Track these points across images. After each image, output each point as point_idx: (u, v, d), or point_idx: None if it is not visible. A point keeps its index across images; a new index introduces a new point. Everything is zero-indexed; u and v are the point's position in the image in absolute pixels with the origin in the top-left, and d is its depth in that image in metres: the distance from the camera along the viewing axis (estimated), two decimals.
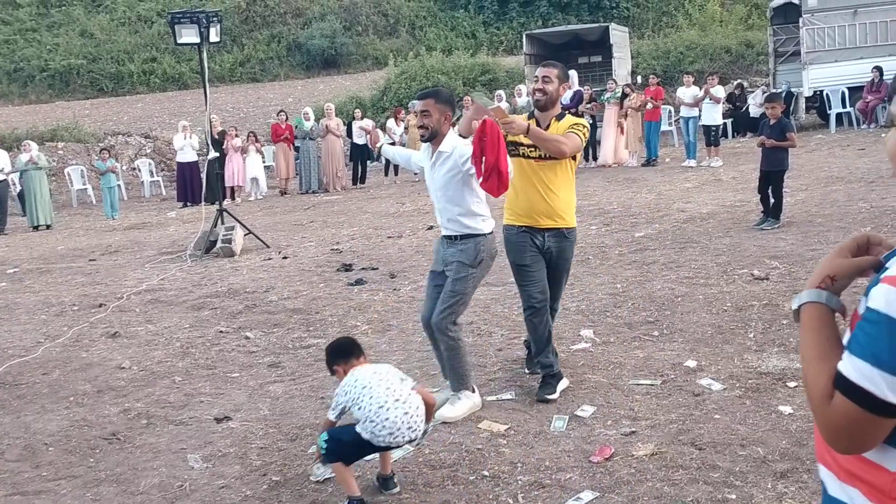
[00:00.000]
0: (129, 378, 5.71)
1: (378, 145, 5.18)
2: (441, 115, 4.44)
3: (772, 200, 8.72)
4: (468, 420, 4.48)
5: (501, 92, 20.16)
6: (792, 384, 4.61)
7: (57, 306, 8.15)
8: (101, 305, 7.96)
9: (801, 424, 4.08)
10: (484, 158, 4.28)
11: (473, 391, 4.62)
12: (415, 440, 3.70)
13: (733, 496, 3.40)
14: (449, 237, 4.56)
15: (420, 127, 4.51)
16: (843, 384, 1.36)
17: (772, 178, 8.70)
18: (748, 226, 8.91)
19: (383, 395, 3.59)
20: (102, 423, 4.89)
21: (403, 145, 17.54)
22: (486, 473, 3.85)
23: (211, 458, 4.28)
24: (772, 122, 8.83)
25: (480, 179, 4.33)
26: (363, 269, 8.83)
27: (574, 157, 4.73)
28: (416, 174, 17.98)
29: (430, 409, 3.78)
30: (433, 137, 4.47)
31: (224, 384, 5.45)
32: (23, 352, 6.50)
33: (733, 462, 3.72)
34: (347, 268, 8.89)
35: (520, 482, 3.73)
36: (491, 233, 4.58)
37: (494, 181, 4.34)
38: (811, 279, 1.56)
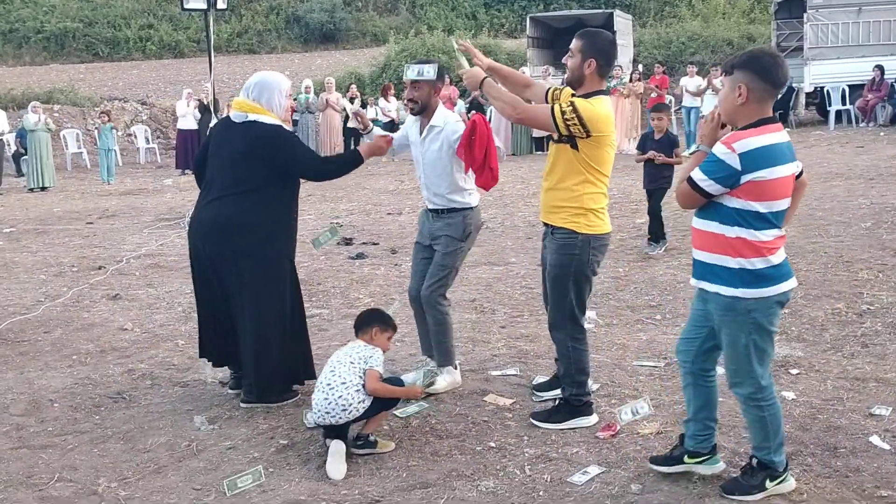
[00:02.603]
0: (131, 340, 5.71)
1: (367, 130, 4.86)
2: (432, 88, 4.39)
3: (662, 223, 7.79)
4: (473, 393, 4.51)
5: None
6: (794, 371, 4.67)
7: (56, 267, 8.11)
8: (100, 268, 7.93)
9: (803, 410, 4.14)
10: (472, 153, 4.26)
11: (456, 367, 4.61)
12: (341, 425, 3.79)
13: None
14: (435, 210, 4.50)
15: (409, 100, 4.43)
16: (689, 179, 3.15)
17: (656, 196, 7.71)
18: None
19: (322, 376, 3.85)
20: (107, 383, 4.89)
21: (402, 123, 17.49)
22: (492, 444, 3.88)
23: (217, 420, 4.29)
24: (657, 135, 7.75)
25: (469, 172, 4.35)
26: (364, 243, 8.84)
27: (572, 144, 3.80)
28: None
29: (389, 397, 3.89)
30: (423, 111, 4.42)
31: None
32: (23, 310, 6.48)
33: (738, 443, 3.77)
34: (348, 242, 8.90)
35: (526, 454, 3.77)
36: (477, 205, 4.52)
37: (488, 176, 4.35)
38: (700, 139, 3.32)
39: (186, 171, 16.87)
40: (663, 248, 7.66)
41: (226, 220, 4.22)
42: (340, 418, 3.75)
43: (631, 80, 16.16)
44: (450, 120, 4.40)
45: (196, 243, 4.37)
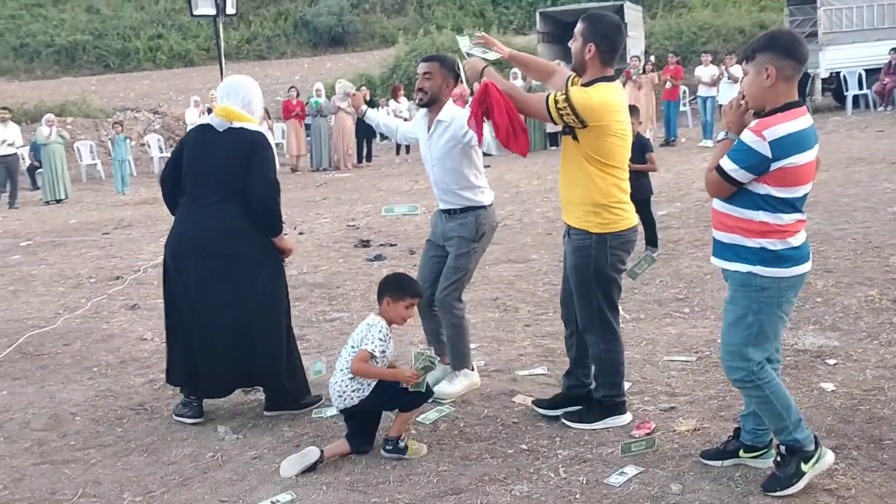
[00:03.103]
0: (151, 350, 5.63)
1: (362, 110, 4.76)
2: (443, 81, 4.24)
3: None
4: (501, 394, 4.40)
5: (517, 70, 19.94)
6: (831, 361, 4.54)
7: (73, 278, 8.07)
8: (118, 278, 7.88)
9: (844, 402, 4.01)
10: (493, 122, 3.93)
11: (473, 369, 4.49)
12: (347, 409, 3.74)
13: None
14: (447, 211, 4.35)
15: (419, 90, 4.27)
16: (718, 168, 3.08)
17: (640, 206, 6.41)
18: None
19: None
20: (128, 394, 4.82)
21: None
22: (524, 447, 3.78)
23: (241, 430, 4.21)
24: None
25: (482, 143, 4.04)
26: (381, 245, 8.75)
27: (573, 135, 3.65)
28: None
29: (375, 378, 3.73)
30: (432, 103, 4.28)
31: None
32: (42, 323, 6.43)
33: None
34: (365, 244, 8.82)
35: (560, 456, 3.66)
36: (491, 204, 4.36)
37: (522, 139, 3.82)
38: (727, 125, 3.22)
39: None
40: (657, 255, 7.01)
41: (225, 227, 4.08)
42: (338, 404, 3.75)
43: (644, 72, 15.98)
44: (457, 115, 4.23)
45: (180, 259, 4.16)
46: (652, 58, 19.45)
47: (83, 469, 3.87)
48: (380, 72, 25.49)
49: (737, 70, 14.71)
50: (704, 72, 14.79)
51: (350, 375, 3.70)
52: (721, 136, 3.23)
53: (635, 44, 20.20)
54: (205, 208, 4.13)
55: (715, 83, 14.54)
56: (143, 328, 6.14)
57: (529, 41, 23.69)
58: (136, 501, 3.52)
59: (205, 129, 4.30)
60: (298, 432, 4.11)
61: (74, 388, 4.96)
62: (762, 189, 3.03)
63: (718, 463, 3.41)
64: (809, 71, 18.59)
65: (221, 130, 4.19)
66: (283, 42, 35.84)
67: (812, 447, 3.16)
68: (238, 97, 4.24)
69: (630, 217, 3.79)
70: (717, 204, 3.20)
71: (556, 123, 3.65)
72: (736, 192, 3.08)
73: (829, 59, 18.20)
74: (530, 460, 3.64)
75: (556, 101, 3.55)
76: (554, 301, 6.06)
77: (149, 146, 20.83)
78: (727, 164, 3.04)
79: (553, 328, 5.45)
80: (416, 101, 4.39)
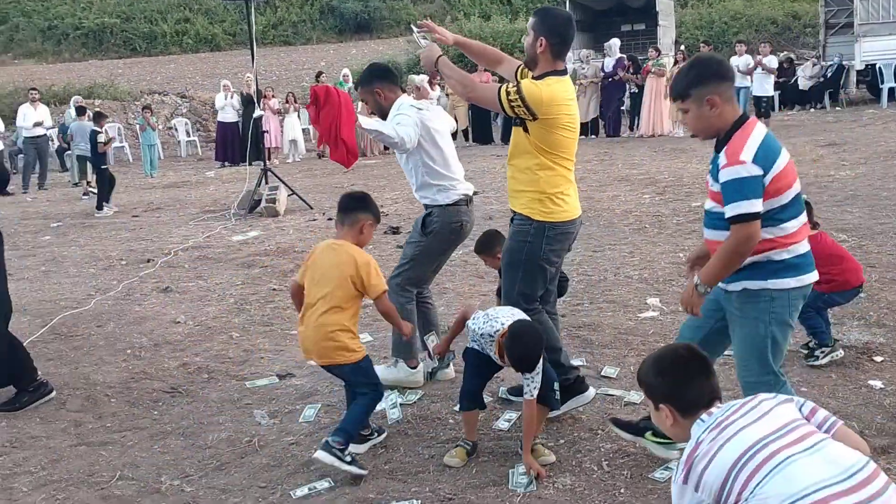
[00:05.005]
0: (185, 333, 5.62)
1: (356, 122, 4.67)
2: (374, 96, 4.33)
3: None
4: None
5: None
6: (878, 358, 4.43)
7: (104, 260, 8.08)
8: (149, 261, 7.88)
9: (893, 400, 3.90)
10: (319, 124, 4.11)
11: (415, 367, 4.46)
12: None
13: None
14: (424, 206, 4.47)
15: (371, 113, 4.45)
16: (734, 219, 2.84)
17: None
18: (806, 197, 8.61)
19: None
20: (162, 377, 4.80)
21: (445, 109, 17.25)
22: (564, 440, 3.71)
23: (277, 415, 4.18)
24: None
25: (323, 147, 4.19)
26: (409, 232, 8.67)
27: (524, 127, 3.66)
28: (454, 139, 17.77)
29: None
30: (384, 115, 4.33)
31: (283, 341, 5.34)
32: (75, 304, 6.43)
33: None
34: (395, 230, 8.76)
35: (602, 450, 3.59)
36: (452, 204, 4.32)
37: (343, 150, 4.16)
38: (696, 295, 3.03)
39: (226, 164, 16.90)
40: None
41: None
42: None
43: (676, 62, 15.77)
44: (397, 107, 4.27)
45: None
46: (682, 47, 19.21)
47: (120, 451, 3.85)
48: (406, 59, 25.37)
49: (771, 60, 14.50)
50: (739, 61, 14.52)
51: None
52: (703, 290, 2.99)
53: (666, 33, 19.91)
54: None
55: (749, 72, 14.27)
56: (175, 311, 6.12)
57: None
58: (174, 485, 3.49)
59: None
60: (335, 419, 4.06)
61: (109, 369, 4.95)
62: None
63: (625, 435, 3.44)
64: (844, 63, 18.28)
65: None
66: (308, 28, 35.79)
67: None
68: None
69: (571, 210, 3.78)
70: (711, 234, 3.05)
71: (507, 114, 3.67)
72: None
73: (864, 51, 17.86)
74: (572, 453, 3.58)
75: (507, 93, 3.58)
76: (589, 291, 6.00)
77: (176, 130, 20.90)
78: (742, 209, 2.80)
79: (589, 319, 5.38)
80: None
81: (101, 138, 11.87)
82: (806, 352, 4.49)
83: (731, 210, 2.83)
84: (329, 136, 4.28)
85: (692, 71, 3.03)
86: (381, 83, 4.33)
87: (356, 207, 3.75)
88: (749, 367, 3.04)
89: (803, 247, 2.98)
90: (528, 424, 3.45)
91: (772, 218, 2.89)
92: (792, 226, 2.93)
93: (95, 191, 11.91)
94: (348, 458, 3.41)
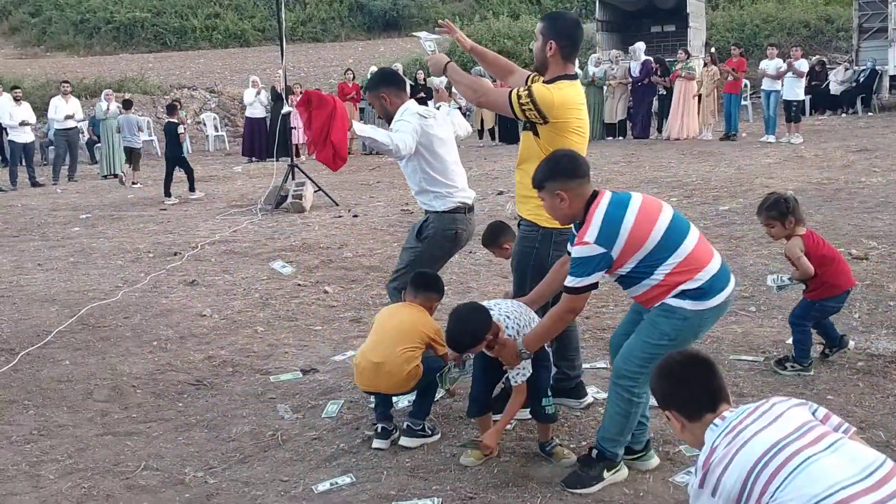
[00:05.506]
0: (210, 326, 5.67)
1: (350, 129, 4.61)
2: (380, 100, 4.35)
3: None
4: None
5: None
6: None
7: (132, 253, 8.17)
8: (176, 254, 7.96)
9: None
10: (311, 126, 4.17)
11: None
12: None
13: None
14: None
15: (379, 117, 4.50)
16: (567, 289, 3.15)
17: None
18: (839, 205, 8.52)
19: None
20: (188, 369, 4.85)
21: (469, 109, 17.24)
22: (586, 442, 3.69)
23: (300, 409, 4.21)
24: None
25: (312, 149, 4.27)
26: None
27: (534, 131, 3.66)
28: (479, 138, 17.74)
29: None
30: (390, 120, 4.35)
31: (307, 336, 5.37)
32: (102, 295, 6.51)
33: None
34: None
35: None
36: (448, 211, 4.31)
37: (329, 151, 4.20)
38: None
39: (254, 159, 17.00)
40: None
41: None
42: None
43: (706, 65, 15.61)
44: (401, 113, 4.26)
45: None
46: (712, 49, 19.05)
47: (145, 442, 3.89)
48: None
49: (802, 64, 14.31)
50: (770, 65, 14.34)
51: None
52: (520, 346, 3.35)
53: (696, 35, 19.77)
54: None
55: (780, 76, 14.10)
56: (201, 304, 6.18)
57: (588, 29, 23.34)
58: (198, 476, 3.53)
59: None
60: (357, 415, 4.10)
61: (135, 360, 5.00)
62: (626, 269, 3.09)
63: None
64: (877, 68, 18.02)
65: None
66: (337, 25, 35.90)
67: (618, 460, 3.33)
68: None
69: None
70: (628, 292, 3.24)
71: (518, 118, 3.68)
72: (623, 282, 3.17)
73: None
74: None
75: (518, 97, 3.59)
76: (614, 294, 5.96)
77: (204, 125, 21.05)
78: (576, 283, 3.10)
79: (613, 321, 5.35)
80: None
81: (181, 129, 12.36)
82: (779, 359, 4.48)
83: (568, 281, 3.13)
84: (319, 137, 4.30)
85: (547, 168, 3.19)
86: (387, 88, 4.34)
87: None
88: (630, 363, 3.18)
89: (707, 273, 3.07)
90: (509, 408, 3.54)
91: (651, 265, 3.06)
92: (677, 258, 3.05)
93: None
94: (429, 431, 3.76)
